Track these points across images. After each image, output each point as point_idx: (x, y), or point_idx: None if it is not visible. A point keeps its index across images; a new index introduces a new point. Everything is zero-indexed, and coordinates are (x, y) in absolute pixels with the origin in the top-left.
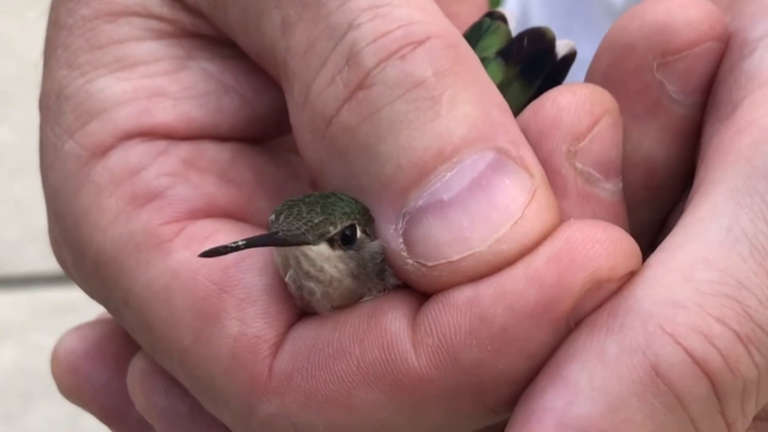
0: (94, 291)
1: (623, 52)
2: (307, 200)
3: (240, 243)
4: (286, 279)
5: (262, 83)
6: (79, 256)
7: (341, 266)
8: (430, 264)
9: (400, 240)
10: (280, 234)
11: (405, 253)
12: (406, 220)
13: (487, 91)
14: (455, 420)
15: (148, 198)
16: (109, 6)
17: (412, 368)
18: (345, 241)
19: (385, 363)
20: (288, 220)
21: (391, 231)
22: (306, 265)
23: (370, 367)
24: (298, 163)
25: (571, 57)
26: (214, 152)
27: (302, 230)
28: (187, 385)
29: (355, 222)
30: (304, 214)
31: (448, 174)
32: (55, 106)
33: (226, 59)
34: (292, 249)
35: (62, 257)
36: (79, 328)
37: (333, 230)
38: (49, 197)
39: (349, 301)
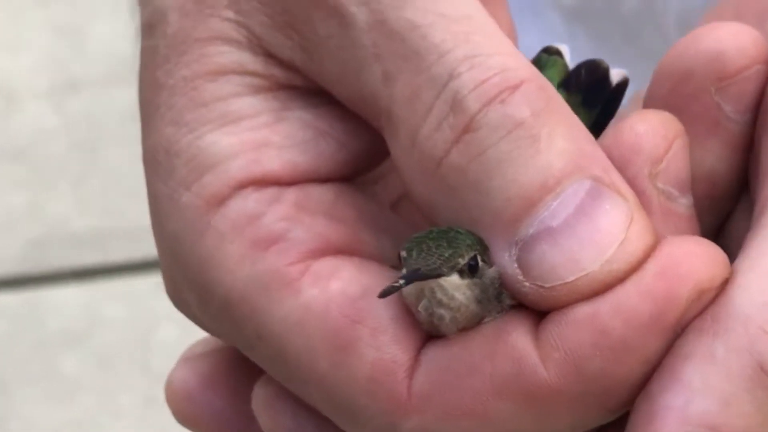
0: (221, 328)
1: (682, 79)
2: (431, 236)
3: (402, 282)
4: (419, 308)
5: (353, 126)
6: (206, 297)
7: (468, 293)
8: (547, 285)
9: (515, 265)
10: (421, 270)
11: (521, 277)
12: (519, 247)
13: (576, 125)
14: (579, 422)
15: (270, 242)
16: (208, 66)
17: (542, 380)
18: (470, 270)
19: (516, 376)
20: (422, 256)
21: (506, 258)
22: (440, 295)
23: (502, 381)
24: (378, 192)
25: (624, 84)
26: (319, 194)
27: (437, 264)
28: (324, 408)
29: (476, 252)
30: (434, 249)
31: (554, 203)
32: (165, 161)
33: (318, 107)
34: (429, 281)
35: (182, 299)
36: (191, 359)
37: (462, 262)
38: (167, 244)
39: (472, 323)
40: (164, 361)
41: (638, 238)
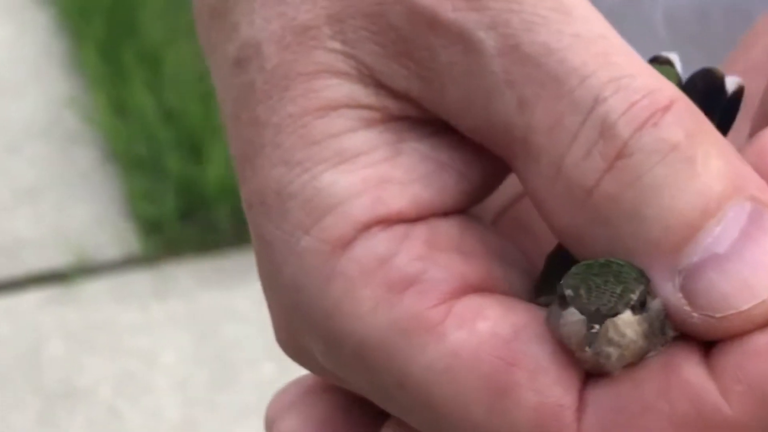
0: (353, 376)
1: None
2: (593, 272)
3: (597, 328)
4: (586, 348)
5: (471, 155)
6: (334, 346)
7: (638, 329)
8: (718, 316)
9: (680, 295)
10: (601, 310)
11: (688, 308)
12: (682, 276)
13: (725, 144)
14: None
15: (406, 284)
16: (318, 102)
17: (726, 416)
18: (640, 305)
19: (696, 415)
20: (595, 294)
21: (670, 288)
22: (611, 333)
23: (681, 420)
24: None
25: (740, 92)
26: (445, 229)
27: (612, 303)
28: None
29: (643, 286)
30: (603, 286)
31: (717, 229)
32: (276, 204)
33: (432, 137)
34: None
35: (301, 348)
36: (298, 404)
37: (633, 298)
38: (284, 292)
39: (637, 359)
40: (56, 378)
41: None
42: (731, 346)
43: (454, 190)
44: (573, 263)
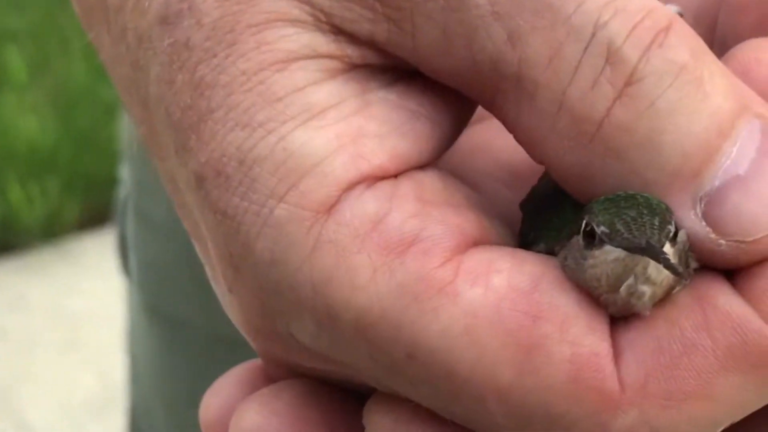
0: (351, 355)
1: None
2: (623, 205)
3: (667, 257)
4: (621, 288)
5: (440, 101)
6: (329, 323)
7: (679, 263)
8: (750, 239)
9: (704, 224)
10: (650, 243)
11: (713, 236)
12: (704, 203)
13: (720, 62)
14: None
15: (405, 244)
16: (274, 55)
17: None
18: (674, 237)
19: (741, 344)
20: (635, 227)
21: (692, 217)
22: (651, 270)
23: (726, 353)
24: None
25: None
26: (429, 182)
27: (656, 235)
28: (505, 424)
29: (673, 216)
30: (639, 219)
31: (733, 149)
32: (239, 173)
33: (398, 85)
34: (644, 259)
35: (280, 333)
36: (254, 401)
37: (671, 229)
38: (256, 270)
39: (665, 296)
40: None
41: None
42: (764, 270)
43: (428, 140)
44: (555, 207)
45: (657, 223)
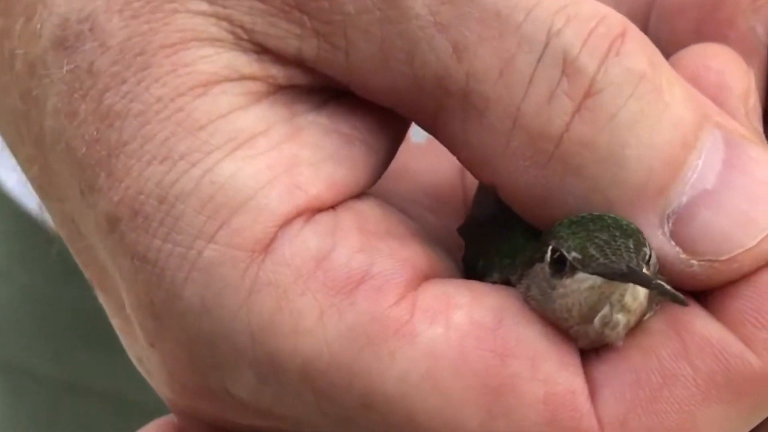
0: (297, 407)
1: (714, 5)
2: (592, 228)
3: (656, 282)
4: (596, 319)
5: (372, 123)
6: (271, 374)
7: (646, 289)
8: (723, 258)
9: (673, 243)
10: (631, 268)
11: (684, 256)
12: (672, 221)
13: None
14: None
15: (354, 283)
16: (193, 78)
17: (754, 368)
18: (649, 260)
19: (724, 372)
20: (610, 251)
21: (660, 237)
22: (628, 297)
23: (708, 382)
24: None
25: None
26: (370, 212)
27: (634, 260)
28: None
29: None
30: (613, 242)
31: (699, 162)
32: (159, 212)
33: (327, 107)
34: (622, 286)
35: (212, 393)
36: None
37: (647, 251)
38: (188, 320)
39: (636, 324)
40: None
41: None
42: (741, 290)
43: (364, 166)
44: (503, 232)
45: (632, 246)
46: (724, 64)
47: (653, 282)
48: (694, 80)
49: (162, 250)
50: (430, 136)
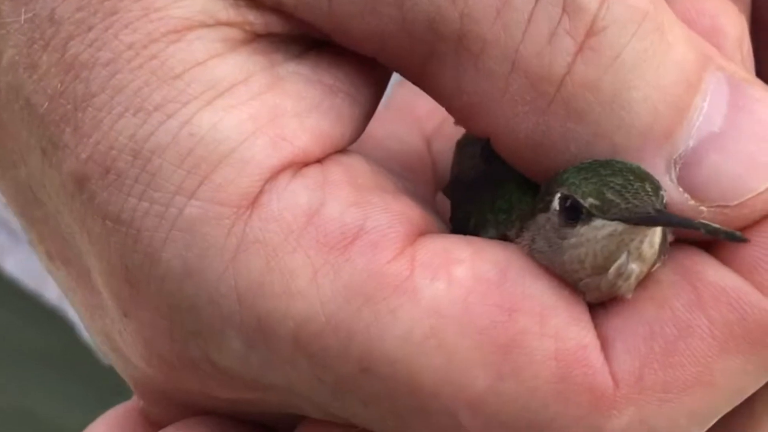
0: (289, 375)
1: None
2: (606, 173)
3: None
4: (612, 268)
5: (354, 74)
6: (263, 339)
7: (661, 235)
8: (734, 203)
9: (681, 189)
10: (659, 212)
11: (693, 202)
12: (679, 166)
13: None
14: None
15: (349, 238)
16: (166, 24)
17: None
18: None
19: (740, 322)
20: (630, 195)
21: (668, 183)
22: (646, 245)
23: (725, 332)
24: None
25: None
26: (358, 165)
27: (653, 203)
28: None
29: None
30: (630, 186)
31: (704, 104)
32: (134, 168)
33: (307, 57)
34: (644, 231)
35: (194, 363)
36: None
37: (665, 194)
38: (168, 284)
39: (644, 275)
40: None
41: None
42: (752, 237)
43: (348, 118)
44: (495, 188)
45: (650, 189)
46: (717, 8)
47: (693, 222)
48: (688, 24)
49: (138, 210)
50: (388, 102)
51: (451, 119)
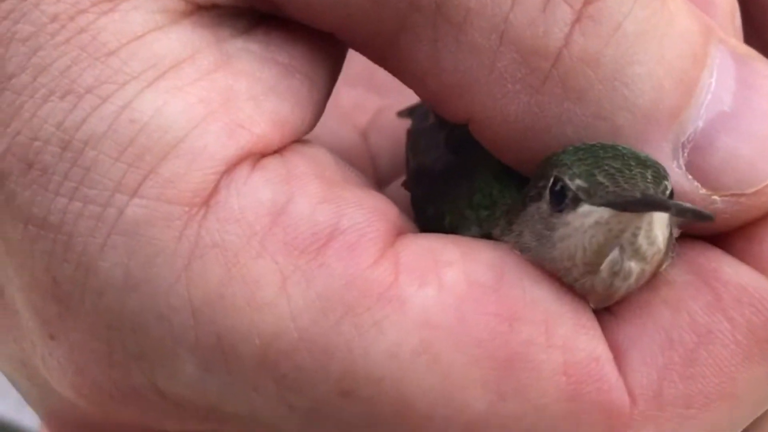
0: (253, 401)
1: None
2: (605, 155)
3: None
4: (603, 266)
5: (312, 53)
6: (222, 360)
7: (666, 232)
8: (750, 191)
9: (690, 177)
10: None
11: (704, 191)
12: (687, 150)
13: None
14: None
15: (322, 240)
16: None
17: None
18: (670, 197)
19: (765, 324)
20: (624, 179)
21: (675, 170)
22: (642, 238)
23: (749, 336)
24: None
25: None
26: (322, 157)
27: (651, 189)
28: None
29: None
30: (627, 170)
31: (712, 81)
32: (63, 161)
33: (256, 32)
34: (635, 221)
35: (135, 390)
36: None
37: (669, 187)
38: (106, 300)
39: (652, 275)
40: None
41: None
42: None
43: (307, 101)
44: (470, 182)
45: (650, 177)
46: None
47: (671, 203)
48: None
49: (69, 211)
50: None
51: (386, 110)
